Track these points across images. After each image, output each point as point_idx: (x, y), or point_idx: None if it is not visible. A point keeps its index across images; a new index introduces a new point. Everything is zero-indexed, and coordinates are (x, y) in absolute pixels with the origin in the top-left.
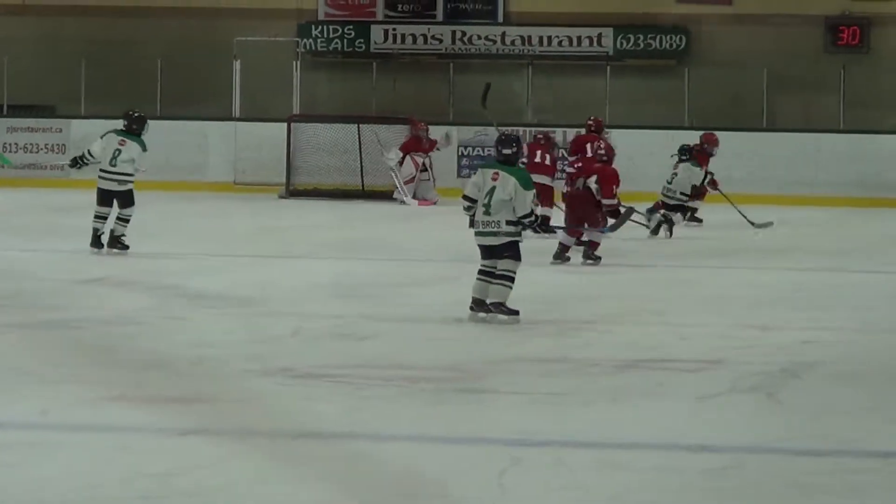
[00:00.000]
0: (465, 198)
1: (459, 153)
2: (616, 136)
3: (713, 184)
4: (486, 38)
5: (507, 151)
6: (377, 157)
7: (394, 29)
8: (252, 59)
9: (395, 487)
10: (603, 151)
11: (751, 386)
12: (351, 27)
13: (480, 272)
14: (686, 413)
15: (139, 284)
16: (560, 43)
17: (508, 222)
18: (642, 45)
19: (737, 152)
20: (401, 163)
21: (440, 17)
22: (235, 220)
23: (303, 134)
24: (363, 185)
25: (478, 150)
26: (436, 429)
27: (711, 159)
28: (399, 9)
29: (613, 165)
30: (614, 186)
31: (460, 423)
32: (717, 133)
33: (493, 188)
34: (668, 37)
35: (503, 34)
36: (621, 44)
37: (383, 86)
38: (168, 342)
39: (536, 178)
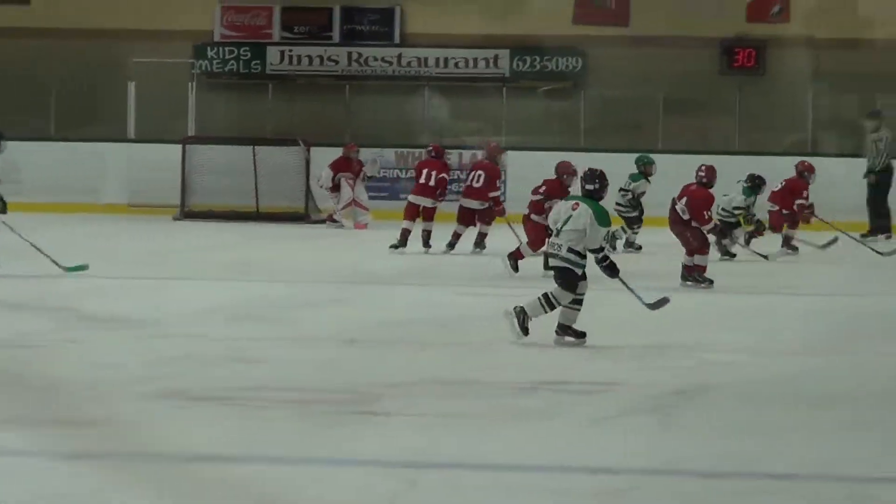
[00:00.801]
0: (545, 229)
1: (377, 173)
2: (512, 158)
3: (809, 212)
4: (383, 59)
5: (589, 187)
6: (272, 178)
7: (290, 50)
8: (148, 81)
9: None
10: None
11: (647, 408)
12: (247, 48)
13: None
14: (582, 435)
15: (32, 306)
16: (456, 64)
17: (570, 250)
18: (538, 67)
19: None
20: (335, 187)
21: (336, 39)
22: (130, 241)
23: (198, 155)
24: (258, 207)
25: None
26: (331, 451)
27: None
28: (295, 30)
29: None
30: (706, 211)
31: (356, 445)
32: (613, 155)
33: (570, 217)
34: (564, 59)
35: (399, 56)
36: (517, 65)
37: (279, 107)
38: (62, 365)
39: (414, 199)
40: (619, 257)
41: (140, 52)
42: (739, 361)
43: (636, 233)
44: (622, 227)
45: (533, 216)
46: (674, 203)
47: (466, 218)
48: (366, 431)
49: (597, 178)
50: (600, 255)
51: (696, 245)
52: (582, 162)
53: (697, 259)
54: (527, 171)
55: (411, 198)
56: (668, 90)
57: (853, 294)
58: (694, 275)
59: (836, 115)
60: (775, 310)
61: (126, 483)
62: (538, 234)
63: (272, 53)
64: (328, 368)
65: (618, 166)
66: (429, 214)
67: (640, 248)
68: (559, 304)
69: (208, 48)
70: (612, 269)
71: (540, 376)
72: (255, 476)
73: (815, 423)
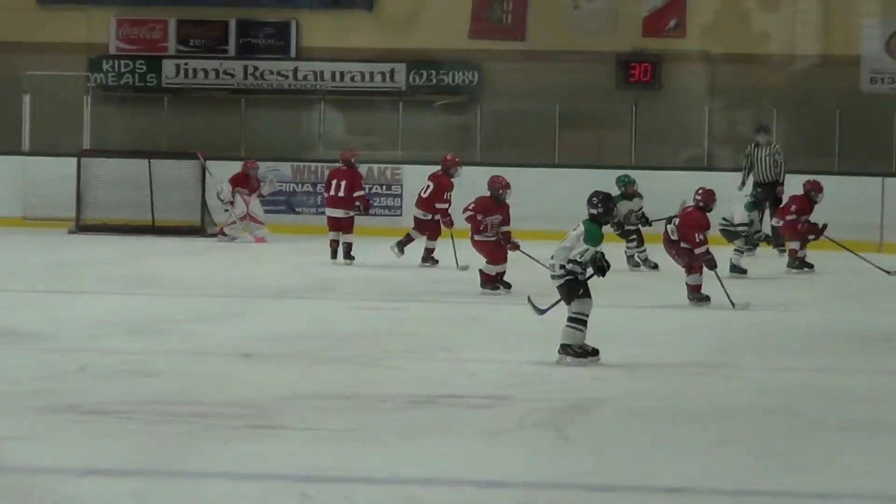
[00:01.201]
0: None
1: (274, 189)
2: (408, 172)
3: (818, 232)
4: (279, 73)
5: (592, 211)
6: (168, 191)
7: (185, 63)
8: (42, 94)
9: None
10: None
11: (539, 422)
12: (142, 62)
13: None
14: (476, 449)
15: None
16: (352, 78)
17: (562, 266)
18: (434, 81)
19: (528, 188)
20: (231, 202)
21: (232, 53)
22: (25, 254)
23: (93, 169)
24: (154, 221)
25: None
26: (226, 465)
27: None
28: (191, 43)
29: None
30: (697, 233)
31: (250, 459)
32: (509, 169)
33: (569, 234)
34: (461, 73)
35: (295, 69)
36: (413, 79)
37: (175, 121)
38: None
39: (330, 212)
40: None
41: (35, 64)
42: (628, 376)
43: (641, 250)
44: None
45: (476, 236)
46: (668, 222)
47: (418, 226)
48: (261, 445)
49: (600, 202)
50: (576, 260)
51: (685, 264)
52: (479, 176)
53: (689, 279)
54: (423, 184)
55: (328, 211)
56: (565, 104)
57: (727, 308)
58: (687, 295)
59: (732, 130)
60: (661, 324)
61: (20, 497)
62: (489, 250)
63: (168, 67)
64: (224, 382)
65: (514, 180)
66: (345, 226)
67: (655, 265)
68: (587, 315)
69: (103, 61)
70: (597, 265)
71: (434, 390)
72: (149, 490)
73: (694, 437)
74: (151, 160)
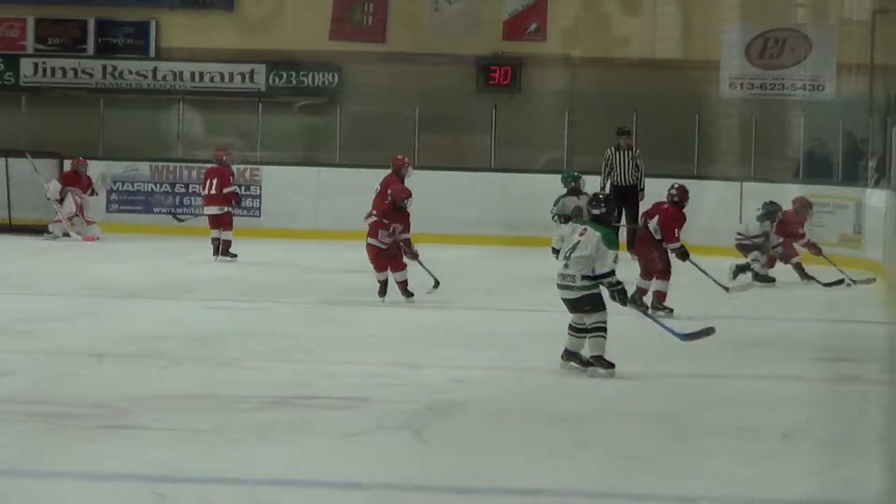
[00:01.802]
0: (553, 250)
1: (108, 188)
2: (267, 173)
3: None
4: (138, 72)
5: (595, 212)
6: (25, 190)
7: (44, 62)
8: None
9: None
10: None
11: (397, 424)
12: (0, 60)
13: (570, 327)
14: (332, 450)
15: None
16: (212, 79)
17: (584, 277)
18: (294, 83)
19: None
20: (61, 200)
21: (91, 52)
22: None
23: None
24: (10, 219)
25: (127, 186)
26: (80, 465)
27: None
28: (49, 42)
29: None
30: (676, 230)
31: (105, 459)
32: (369, 171)
33: (577, 243)
34: (320, 74)
35: (155, 69)
36: (273, 80)
37: (33, 119)
38: None
39: (207, 209)
40: None
41: None
42: (488, 378)
43: None
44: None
45: (370, 240)
46: (644, 222)
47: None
48: (116, 446)
49: (602, 203)
50: (613, 280)
51: (660, 268)
52: (338, 177)
53: (658, 284)
54: (283, 185)
55: (205, 209)
56: (425, 107)
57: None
58: (652, 301)
59: (591, 134)
60: (524, 326)
61: None
62: (373, 255)
63: (25, 65)
64: (78, 382)
65: (374, 182)
66: (223, 223)
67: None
68: (604, 324)
69: None
70: (622, 295)
71: (292, 391)
72: (3, 489)
73: (556, 440)
74: (8, 159)
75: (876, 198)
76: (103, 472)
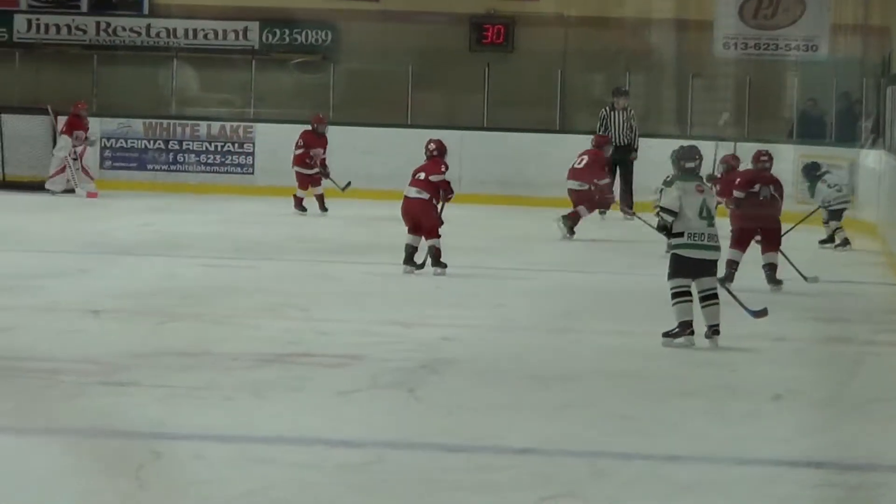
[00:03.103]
0: (668, 211)
1: (103, 144)
2: (261, 130)
3: None
4: (132, 29)
5: (690, 165)
6: (19, 147)
7: (37, 19)
8: None
9: (36, 484)
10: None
11: (391, 382)
12: None
13: (708, 296)
14: (326, 408)
15: None
16: (206, 36)
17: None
18: (288, 40)
19: (380, 149)
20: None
21: (84, 8)
22: None
23: None
24: (4, 175)
25: (121, 143)
26: (76, 421)
27: None
28: None
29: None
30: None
31: (100, 416)
32: (362, 129)
33: (705, 200)
34: (314, 32)
35: (148, 26)
36: (267, 38)
37: (26, 76)
38: None
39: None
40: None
41: None
42: (479, 338)
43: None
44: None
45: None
46: (758, 190)
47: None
48: (111, 402)
49: (696, 155)
50: None
51: (772, 239)
52: (333, 135)
53: (771, 257)
54: (276, 143)
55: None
56: (418, 65)
57: (576, 271)
58: (768, 275)
59: (586, 93)
60: (507, 286)
61: None
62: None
63: (19, 21)
64: (74, 339)
65: (367, 140)
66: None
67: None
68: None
69: None
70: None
71: (286, 349)
72: None
73: (544, 399)
74: (2, 115)
75: (871, 158)
76: (98, 429)
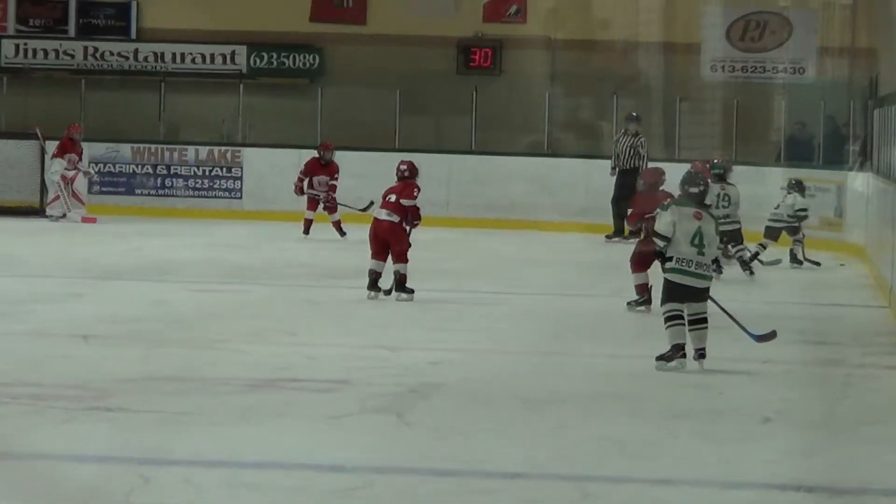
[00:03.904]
0: (660, 236)
1: (93, 172)
2: (249, 155)
3: None
4: (119, 54)
5: (694, 190)
6: (6, 172)
7: (25, 44)
8: None
9: None
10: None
11: (379, 406)
12: None
13: (696, 320)
14: (315, 433)
15: None
16: (193, 60)
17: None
18: (276, 64)
19: (368, 172)
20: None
21: (72, 33)
22: None
23: None
24: None
25: (109, 167)
26: (64, 447)
27: None
28: (30, 23)
29: None
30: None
31: (89, 441)
32: (349, 153)
33: (700, 228)
34: (302, 55)
35: (136, 50)
36: (255, 62)
37: (14, 101)
38: None
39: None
40: None
41: None
42: (467, 361)
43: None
44: None
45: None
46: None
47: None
48: (99, 427)
49: (701, 181)
50: (714, 265)
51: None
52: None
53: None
54: (264, 168)
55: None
56: (405, 89)
57: (565, 294)
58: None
59: (573, 116)
60: (495, 310)
61: None
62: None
63: (7, 46)
64: (62, 363)
65: (355, 164)
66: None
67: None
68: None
69: None
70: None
71: (274, 374)
72: None
73: (533, 422)
74: None
75: (859, 181)
76: (87, 454)
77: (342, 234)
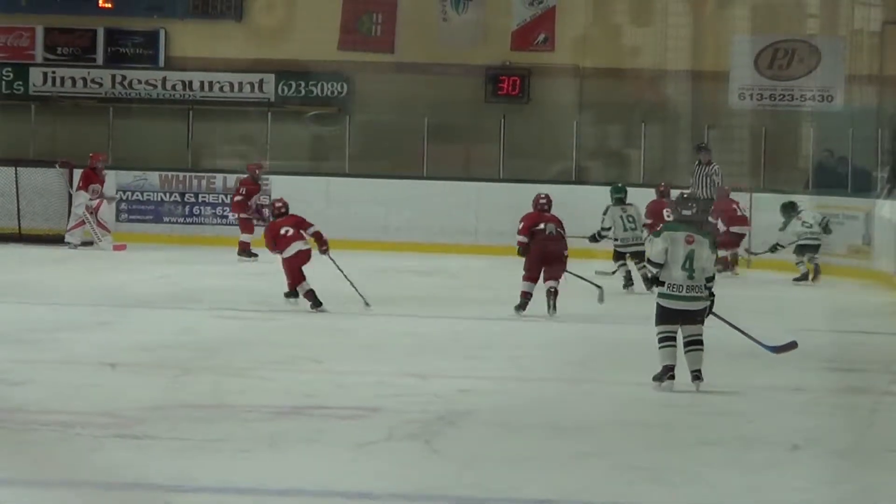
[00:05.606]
0: (652, 263)
1: (119, 197)
2: (277, 182)
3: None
4: (147, 82)
5: (686, 213)
6: (34, 200)
7: (53, 72)
8: None
9: None
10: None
11: (408, 434)
12: (9, 69)
13: (691, 342)
14: (344, 460)
15: None
16: (221, 88)
17: (706, 287)
18: (304, 92)
19: (396, 200)
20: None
21: (100, 61)
22: None
23: None
24: (20, 229)
25: (136, 195)
26: (93, 475)
27: None
28: (58, 52)
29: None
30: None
31: (117, 469)
32: (378, 181)
33: (692, 251)
34: (330, 84)
35: (164, 79)
36: (283, 90)
37: (42, 129)
38: None
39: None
40: None
41: None
42: (495, 389)
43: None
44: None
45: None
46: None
47: None
48: (127, 455)
49: (692, 203)
50: (711, 284)
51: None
52: (348, 187)
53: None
54: (292, 195)
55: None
56: (433, 117)
57: (593, 322)
58: None
59: (601, 144)
60: (523, 337)
61: None
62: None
63: (35, 74)
64: (90, 391)
65: (383, 192)
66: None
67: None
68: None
69: None
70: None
71: (302, 401)
72: (13, 499)
73: (562, 450)
74: (18, 168)
75: (887, 209)
76: (115, 482)
77: (252, 255)
